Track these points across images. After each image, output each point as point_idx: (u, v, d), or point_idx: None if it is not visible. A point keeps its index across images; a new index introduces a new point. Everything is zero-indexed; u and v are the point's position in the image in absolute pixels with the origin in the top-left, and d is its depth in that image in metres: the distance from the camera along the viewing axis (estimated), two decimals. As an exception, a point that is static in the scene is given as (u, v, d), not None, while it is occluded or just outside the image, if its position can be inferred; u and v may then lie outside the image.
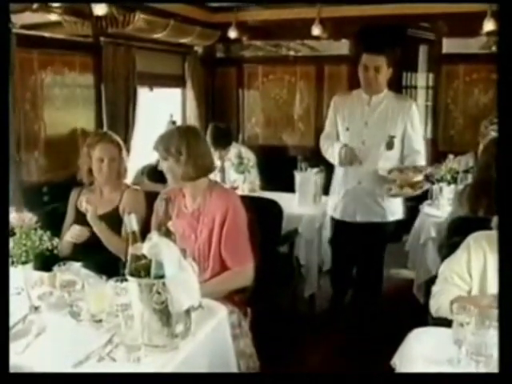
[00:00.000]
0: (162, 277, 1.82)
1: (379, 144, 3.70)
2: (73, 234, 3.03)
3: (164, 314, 1.87)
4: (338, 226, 4.01)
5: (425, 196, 3.97)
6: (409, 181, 3.51)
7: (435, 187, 3.97)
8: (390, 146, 3.68)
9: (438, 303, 2.17)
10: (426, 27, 5.72)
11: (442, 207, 3.85)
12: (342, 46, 5.87)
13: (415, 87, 6.65)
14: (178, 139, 2.57)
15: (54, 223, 2.87)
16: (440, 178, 3.92)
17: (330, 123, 3.95)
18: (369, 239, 3.83)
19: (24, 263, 2.23)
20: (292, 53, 6.14)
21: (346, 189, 3.83)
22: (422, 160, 3.72)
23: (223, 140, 4.81)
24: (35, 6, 3.47)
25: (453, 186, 3.83)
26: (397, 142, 3.69)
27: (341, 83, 5.83)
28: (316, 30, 5.40)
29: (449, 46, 5.56)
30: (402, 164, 3.68)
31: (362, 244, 3.88)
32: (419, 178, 3.55)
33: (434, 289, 2.24)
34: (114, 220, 3.04)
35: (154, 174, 4.09)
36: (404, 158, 3.73)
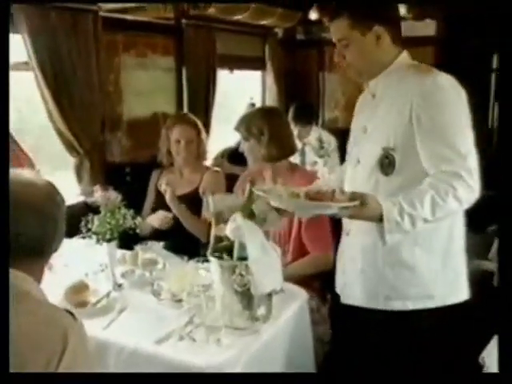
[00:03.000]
0: (244, 259, 1.80)
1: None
2: (157, 219, 3.05)
3: (245, 297, 1.85)
4: None
5: None
6: None
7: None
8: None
9: None
10: None
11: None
12: (427, 27, 5.62)
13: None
14: (260, 119, 2.55)
15: (135, 203, 2.90)
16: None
17: None
18: None
19: (109, 241, 2.27)
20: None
21: None
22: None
23: (305, 117, 4.76)
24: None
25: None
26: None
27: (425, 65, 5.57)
28: (402, 11, 5.20)
29: None
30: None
31: None
32: None
33: None
34: (193, 201, 3.05)
35: (233, 156, 4.09)
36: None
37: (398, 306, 1.95)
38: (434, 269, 1.93)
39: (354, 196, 1.67)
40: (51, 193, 1.40)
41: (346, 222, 2.09)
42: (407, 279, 1.93)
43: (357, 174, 2.00)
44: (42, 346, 1.19)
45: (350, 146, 2.14)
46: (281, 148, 2.53)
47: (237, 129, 2.62)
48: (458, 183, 1.69)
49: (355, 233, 2.04)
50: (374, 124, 1.96)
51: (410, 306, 1.94)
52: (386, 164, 1.87)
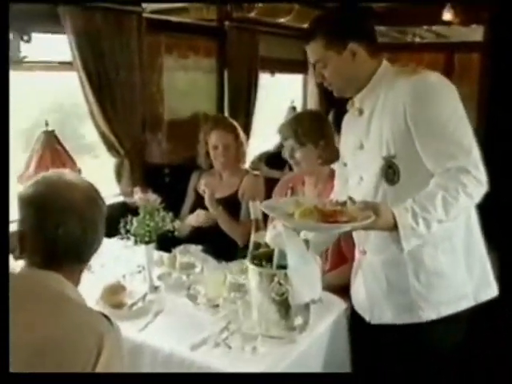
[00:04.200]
0: (284, 267, 1.77)
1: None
2: (196, 217, 3.05)
3: (283, 306, 1.82)
4: None
5: None
6: None
7: None
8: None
9: None
10: None
11: None
12: (474, 32, 5.50)
13: None
14: (316, 123, 2.54)
15: (173, 204, 2.89)
16: None
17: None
18: None
19: (147, 243, 2.27)
20: (418, 39, 5.85)
21: None
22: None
23: None
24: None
25: None
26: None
27: (472, 72, 5.46)
28: (447, 15, 5.10)
29: None
30: None
31: None
32: None
33: None
34: (232, 204, 3.04)
35: (272, 160, 4.06)
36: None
37: (431, 315, 1.89)
38: (460, 268, 1.89)
39: (365, 207, 1.64)
40: (92, 196, 1.39)
41: (360, 241, 2.05)
42: (436, 286, 1.88)
43: (362, 190, 1.94)
44: (78, 349, 1.19)
45: (342, 165, 2.14)
46: (334, 151, 2.49)
47: (287, 135, 2.55)
48: (467, 178, 1.65)
49: (372, 252, 1.99)
50: (370, 139, 1.91)
51: (443, 311, 1.88)
52: (391, 174, 1.83)
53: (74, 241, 1.32)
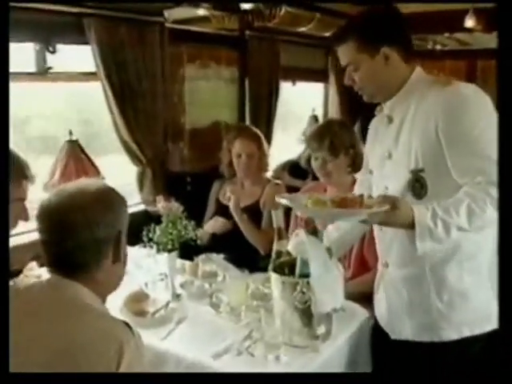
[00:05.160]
0: (307, 276, 1.77)
1: None
2: (214, 225, 3.06)
3: (306, 315, 1.82)
4: None
5: None
6: None
7: None
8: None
9: None
10: None
11: None
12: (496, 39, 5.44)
13: None
14: (346, 133, 2.54)
15: (195, 213, 2.90)
16: None
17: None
18: None
19: (169, 251, 2.28)
20: (438, 47, 5.81)
21: None
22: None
23: None
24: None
25: None
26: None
27: (495, 80, 5.40)
28: (470, 22, 5.05)
29: None
30: None
31: None
32: None
33: None
34: (255, 213, 3.04)
35: (295, 169, 4.05)
36: None
37: (452, 335, 1.83)
38: (485, 289, 1.80)
39: (384, 200, 1.61)
40: (107, 202, 1.38)
41: (383, 253, 2.00)
42: (459, 306, 1.82)
43: None
44: (99, 358, 1.19)
45: (367, 173, 2.08)
46: (362, 159, 2.48)
47: (319, 147, 2.51)
48: (495, 191, 1.57)
49: (395, 264, 1.93)
50: (399, 149, 1.84)
51: (467, 332, 1.82)
52: (418, 188, 1.76)
53: (89, 251, 1.32)
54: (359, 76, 1.84)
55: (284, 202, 1.71)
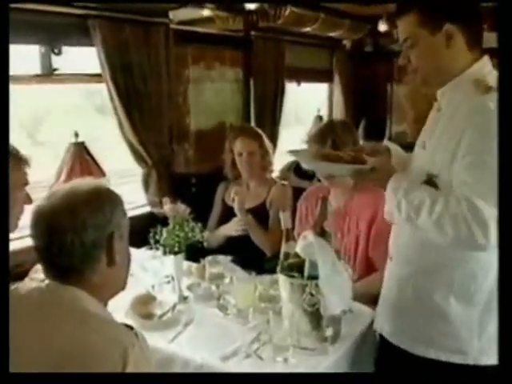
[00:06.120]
0: (315, 278, 1.75)
1: None
2: (232, 223, 3.04)
3: (315, 317, 1.80)
4: None
5: None
6: None
7: None
8: None
9: None
10: None
11: None
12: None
13: None
14: (351, 133, 2.55)
15: (200, 214, 2.87)
16: None
17: None
18: None
19: (176, 253, 2.27)
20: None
21: None
22: None
23: (377, 133, 4.67)
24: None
25: None
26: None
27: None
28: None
29: None
30: None
31: None
32: None
33: None
34: (261, 215, 3.02)
35: (301, 170, 4.03)
36: None
37: (428, 353, 1.75)
38: (471, 322, 1.70)
39: (374, 149, 1.77)
40: (98, 203, 1.33)
41: (391, 245, 1.92)
42: (439, 328, 1.74)
43: None
44: (104, 364, 1.18)
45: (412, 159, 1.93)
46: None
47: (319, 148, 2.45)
48: (480, 203, 1.46)
49: (396, 259, 1.87)
50: (431, 142, 1.74)
51: (443, 357, 1.73)
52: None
53: (77, 255, 1.29)
54: (416, 54, 1.69)
55: (292, 154, 1.99)
